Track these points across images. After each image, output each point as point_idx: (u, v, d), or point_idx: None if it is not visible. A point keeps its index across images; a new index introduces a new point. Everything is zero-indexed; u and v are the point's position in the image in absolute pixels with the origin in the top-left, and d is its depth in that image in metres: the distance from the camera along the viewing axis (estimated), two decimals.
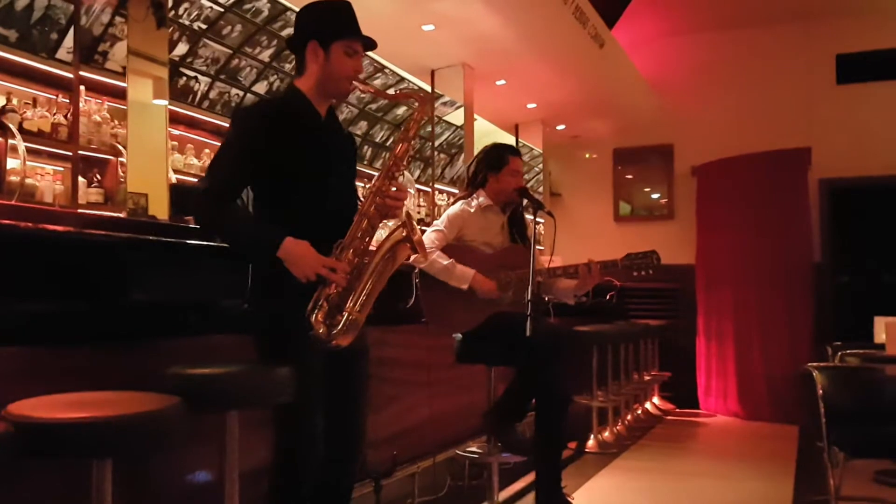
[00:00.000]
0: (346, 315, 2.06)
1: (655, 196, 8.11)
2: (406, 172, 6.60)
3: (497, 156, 3.46)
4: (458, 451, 3.71)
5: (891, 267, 6.89)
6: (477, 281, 3.22)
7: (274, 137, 2.15)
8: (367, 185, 2.55)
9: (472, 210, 3.42)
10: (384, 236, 2.22)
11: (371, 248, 2.18)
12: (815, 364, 3.25)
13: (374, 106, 6.92)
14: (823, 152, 6.88)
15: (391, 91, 5.94)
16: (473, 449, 3.61)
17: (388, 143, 7.32)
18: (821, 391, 3.09)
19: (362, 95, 6.26)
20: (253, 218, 2.23)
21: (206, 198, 2.11)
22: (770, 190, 6.95)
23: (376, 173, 2.49)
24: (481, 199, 3.44)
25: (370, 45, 2.29)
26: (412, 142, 2.28)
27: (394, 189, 2.19)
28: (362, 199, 2.27)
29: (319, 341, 2.05)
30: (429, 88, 5.96)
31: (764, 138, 7.07)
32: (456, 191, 7.30)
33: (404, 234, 2.14)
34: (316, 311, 2.05)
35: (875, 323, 4.58)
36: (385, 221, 2.24)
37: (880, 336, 4.37)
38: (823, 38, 7.19)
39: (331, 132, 2.33)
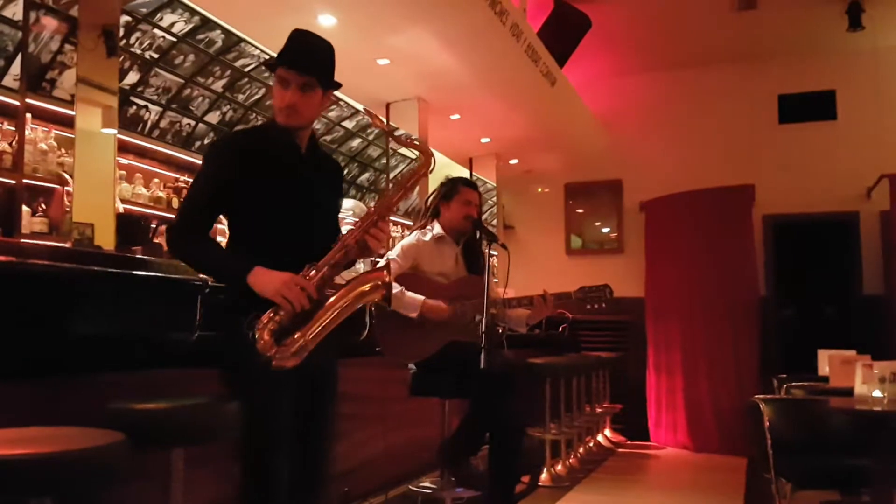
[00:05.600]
0: (297, 339, 1.99)
1: (606, 230, 8.24)
2: (360, 202, 6.60)
3: (451, 186, 3.53)
4: (411, 487, 3.66)
5: (832, 300, 7.09)
6: (427, 307, 3.23)
7: (244, 169, 2.13)
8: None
9: (426, 240, 3.45)
10: (362, 272, 2.17)
11: (340, 281, 2.13)
12: (761, 396, 3.30)
13: (329, 138, 6.92)
14: (767, 189, 7.11)
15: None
16: (427, 484, 3.57)
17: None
18: (767, 423, 3.13)
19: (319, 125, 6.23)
20: (220, 249, 2.20)
21: (173, 231, 2.15)
22: (716, 225, 7.12)
23: None
24: (435, 230, 3.48)
25: (294, 63, 2.16)
26: (410, 192, 2.29)
27: (379, 229, 2.13)
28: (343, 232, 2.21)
29: (260, 354, 1.97)
30: (384, 121, 5.99)
31: (710, 175, 7.27)
32: (410, 223, 7.32)
33: (385, 280, 2.09)
34: (266, 324, 1.98)
35: (819, 356, 4.67)
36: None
37: (824, 368, 4.45)
38: (766, 79, 7.46)
39: (310, 163, 2.26)
